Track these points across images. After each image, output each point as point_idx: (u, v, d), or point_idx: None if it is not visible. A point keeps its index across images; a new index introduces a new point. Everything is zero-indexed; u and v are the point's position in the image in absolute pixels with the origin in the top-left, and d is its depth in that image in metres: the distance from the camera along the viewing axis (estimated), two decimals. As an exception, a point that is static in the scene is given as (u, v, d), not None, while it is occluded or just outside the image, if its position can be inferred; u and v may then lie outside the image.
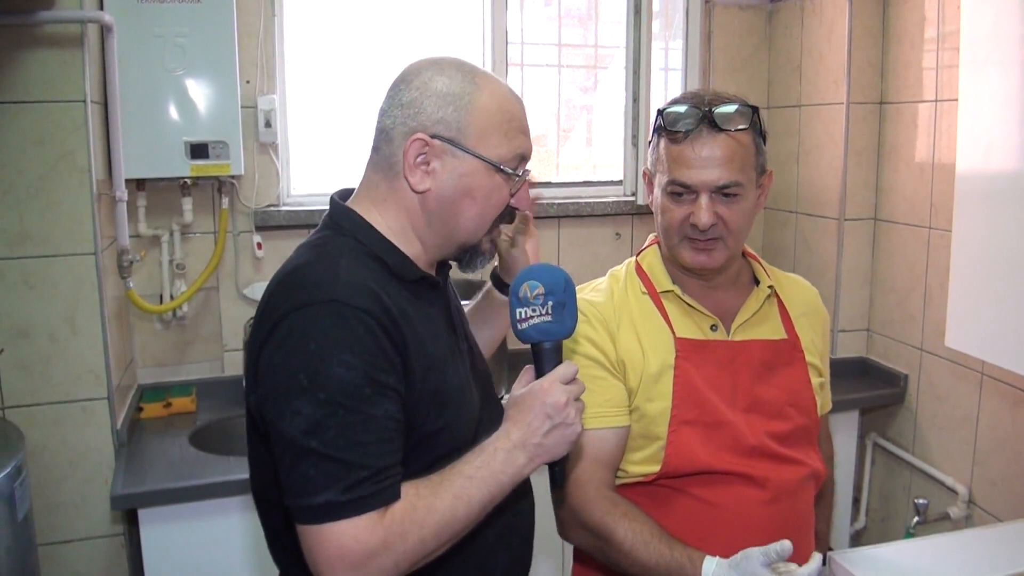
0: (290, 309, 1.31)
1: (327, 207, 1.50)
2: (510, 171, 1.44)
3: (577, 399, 1.42)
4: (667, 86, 3.60)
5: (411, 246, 1.46)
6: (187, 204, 2.90)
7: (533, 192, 1.59)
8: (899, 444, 3.18)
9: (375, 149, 1.47)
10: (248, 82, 2.95)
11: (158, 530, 2.41)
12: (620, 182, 3.59)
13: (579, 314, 1.72)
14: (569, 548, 1.85)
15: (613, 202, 3.47)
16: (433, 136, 1.40)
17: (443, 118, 1.40)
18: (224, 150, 2.77)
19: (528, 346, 1.46)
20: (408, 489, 1.31)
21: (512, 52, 3.40)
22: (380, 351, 1.30)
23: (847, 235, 3.22)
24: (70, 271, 2.42)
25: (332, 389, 1.26)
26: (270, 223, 3.03)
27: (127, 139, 2.61)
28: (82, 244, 2.42)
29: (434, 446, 1.40)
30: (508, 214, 1.51)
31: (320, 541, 1.27)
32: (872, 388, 3.19)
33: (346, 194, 1.52)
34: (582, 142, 3.75)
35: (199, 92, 2.74)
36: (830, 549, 1.98)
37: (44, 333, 2.42)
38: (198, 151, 2.75)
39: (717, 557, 1.52)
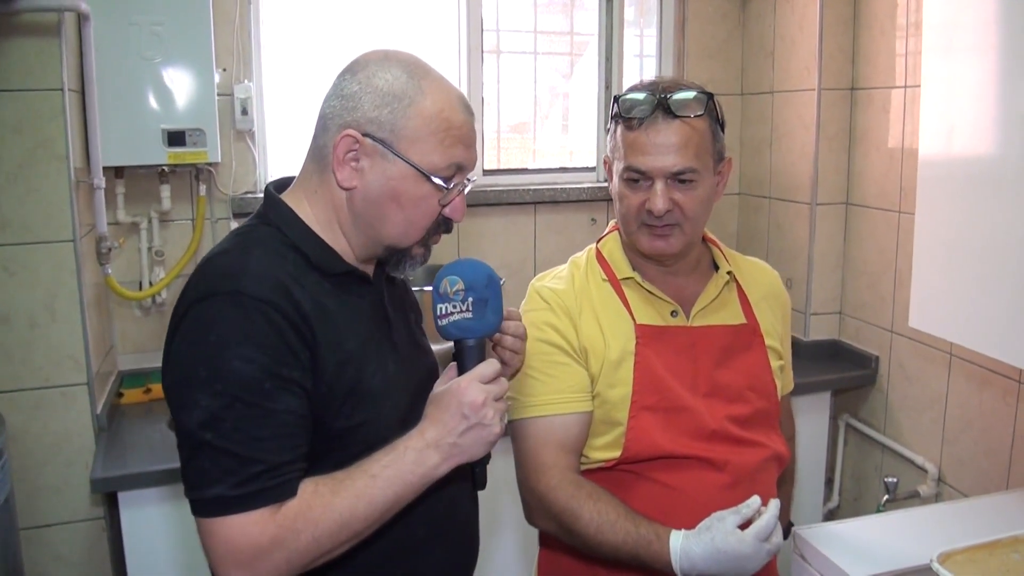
0: (196, 299, 1.29)
1: None
2: (440, 182, 1.38)
3: (498, 399, 1.39)
4: (642, 73, 3.63)
5: (338, 240, 1.43)
6: (165, 191, 2.91)
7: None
8: (870, 424, 3.23)
9: (314, 137, 1.44)
10: (224, 70, 2.97)
11: (138, 513, 2.44)
12: (594, 168, 3.63)
13: (541, 301, 1.75)
14: (535, 533, 1.88)
15: (588, 188, 3.50)
16: (365, 134, 1.35)
17: (378, 118, 1.35)
18: (201, 138, 2.78)
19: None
20: (307, 486, 1.29)
21: (488, 39, 3.43)
22: (283, 345, 1.27)
23: (819, 219, 3.26)
24: (49, 258, 2.44)
25: (230, 382, 1.24)
26: (247, 210, 3.04)
27: (105, 127, 2.62)
28: (61, 231, 2.44)
29: (348, 443, 1.36)
30: (444, 223, 1.46)
31: (211, 535, 1.25)
32: (844, 370, 3.24)
33: (283, 183, 1.50)
34: (559, 129, 3.78)
35: (176, 80, 2.75)
36: (791, 524, 2.03)
37: (24, 319, 2.44)
38: (175, 139, 2.76)
39: (683, 530, 1.55)
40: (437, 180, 1.38)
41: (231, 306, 1.26)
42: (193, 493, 1.26)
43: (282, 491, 1.26)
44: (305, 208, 1.43)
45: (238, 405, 1.24)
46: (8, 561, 2.22)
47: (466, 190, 1.45)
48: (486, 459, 1.43)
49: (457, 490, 1.54)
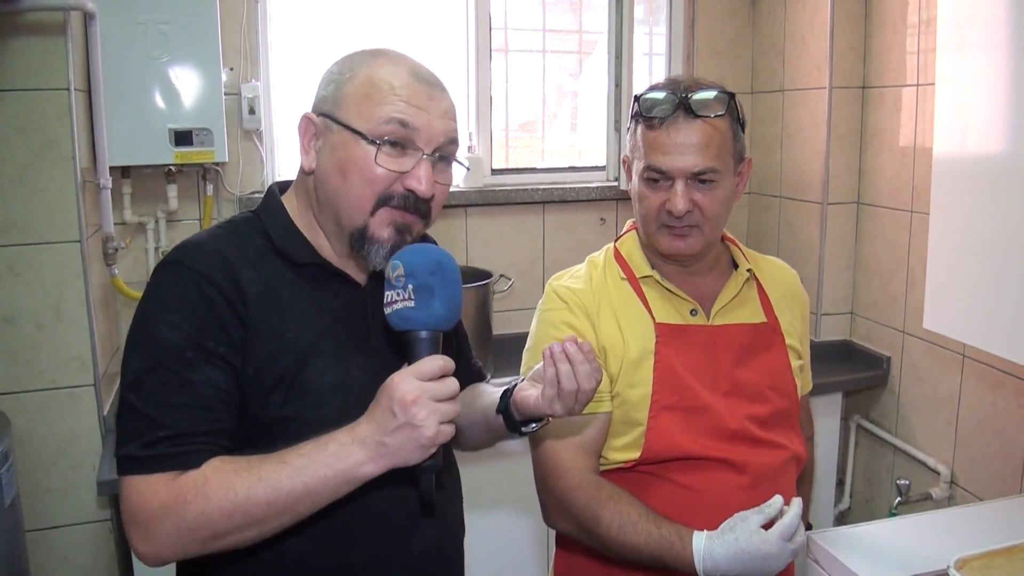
0: (153, 272, 1.36)
1: None
2: (371, 138, 1.33)
3: (440, 400, 1.24)
4: (651, 71, 3.60)
5: (315, 233, 1.45)
6: (172, 191, 2.90)
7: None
8: (882, 426, 3.20)
9: None
10: (232, 69, 2.95)
11: (145, 515, 2.41)
12: (603, 167, 3.61)
13: (559, 300, 1.73)
14: (549, 532, 1.86)
15: (597, 187, 3.48)
16: (318, 114, 1.39)
17: (325, 95, 1.40)
18: (208, 137, 2.77)
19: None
20: (213, 462, 1.26)
21: (496, 37, 3.41)
22: (212, 317, 1.29)
23: (830, 219, 3.24)
24: (55, 258, 2.42)
25: (155, 346, 1.28)
26: (255, 210, 3.03)
27: (111, 127, 2.61)
28: (67, 232, 2.42)
29: (278, 436, 1.29)
30: (407, 198, 1.37)
31: (121, 492, 1.28)
32: (855, 371, 3.22)
33: (287, 184, 1.53)
34: (567, 128, 3.76)
35: (182, 79, 2.73)
36: (810, 527, 2.01)
37: (30, 320, 2.42)
38: (182, 138, 2.74)
39: (706, 531, 1.54)
40: (369, 137, 1.34)
41: (170, 275, 1.33)
42: (116, 450, 1.30)
43: (184, 460, 1.26)
44: (292, 203, 1.47)
45: (159, 370, 1.27)
46: (14, 563, 2.21)
47: (431, 161, 1.38)
48: (431, 467, 1.27)
49: (411, 517, 1.46)
